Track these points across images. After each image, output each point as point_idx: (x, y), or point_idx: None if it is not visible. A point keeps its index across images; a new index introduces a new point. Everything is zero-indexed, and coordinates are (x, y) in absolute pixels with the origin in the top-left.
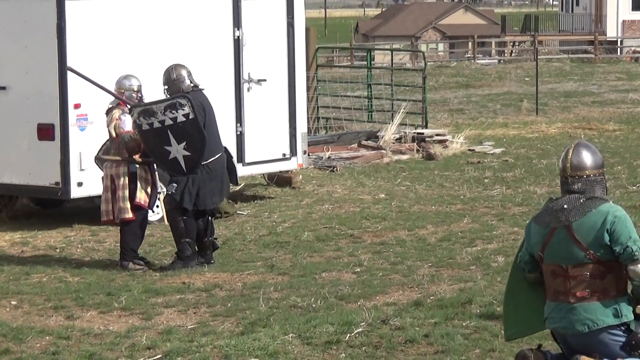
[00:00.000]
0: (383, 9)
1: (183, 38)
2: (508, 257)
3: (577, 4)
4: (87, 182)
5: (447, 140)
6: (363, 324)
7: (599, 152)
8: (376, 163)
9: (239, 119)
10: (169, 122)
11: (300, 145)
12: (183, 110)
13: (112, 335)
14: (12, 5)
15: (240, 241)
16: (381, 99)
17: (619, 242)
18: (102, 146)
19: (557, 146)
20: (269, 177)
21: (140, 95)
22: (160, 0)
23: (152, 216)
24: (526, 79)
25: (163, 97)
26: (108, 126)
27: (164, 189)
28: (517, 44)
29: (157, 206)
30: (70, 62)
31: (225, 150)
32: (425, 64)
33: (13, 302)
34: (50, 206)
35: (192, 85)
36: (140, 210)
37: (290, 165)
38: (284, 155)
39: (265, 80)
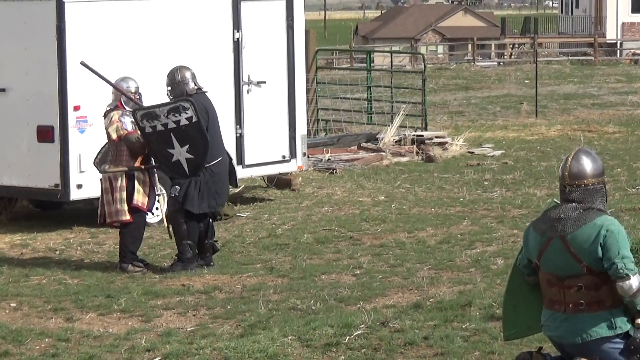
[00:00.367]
0: (383, 11)
1: (183, 40)
2: (507, 260)
3: (577, 6)
4: (87, 184)
5: (446, 142)
6: (362, 326)
7: (600, 160)
8: (376, 165)
9: (239, 121)
10: (172, 125)
11: (300, 148)
12: (186, 113)
13: (111, 338)
14: (12, 7)
15: (239, 243)
16: (381, 101)
17: (607, 257)
18: (101, 149)
19: (556, 148)
20: (268, 179)
21: (137, 97)
22: (160, 2)
23: (152, 218)
24: (526, 81)
25: (163, 99)
26: (107, 129)
27: (163, 191)
28: (516, 46)
29: (157, 208)
30: (69, 65)
31: (226, 152)
32: (425, 66)
33: (12, 304)
34: (49, 208)
35: (196, 87)
36: (138, 213)
37: (290, 167)
38: (284, 157)
39: (264, 82)
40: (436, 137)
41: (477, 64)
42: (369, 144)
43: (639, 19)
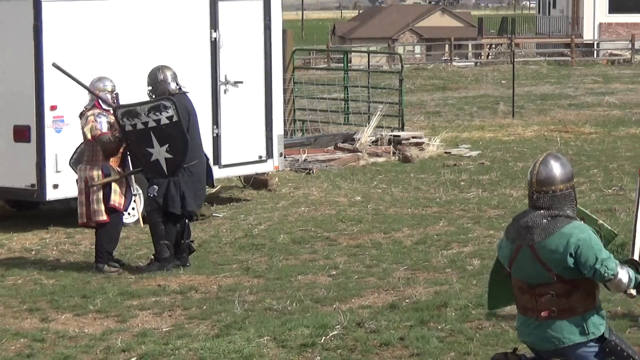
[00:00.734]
0: (360, 11)
1: (160, 39)
2: (484, 260)
3: (554, 7)
4: (63, 184)
5: (423, 142)
6: (338, 326)
7: (569, 164)
8: (352, 165)
9: (216, 121)
10: (152, 124)
11: (277, 148)
12: (167, 112)
13: (87, 338)
14: None
15: (216, 244)
16: (358, 101)
17: (587, 266)
18: (77, 149)
19: (533, 149)
20: (245, 180)
21: (114, 96)
22: (138, 2)
23: (128, 218)
24: (503, 81)
25: (140, 98)
26: (83, 128)
27: (140, 191)
28: (493, 46)
29: (133, 208)
30: (46, 64)
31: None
32: (402, 66)
33: None
34: (25, 208)
35: (177, 87)
36: (115, 213)
37: (267, 167)
38: (260, 157)
39: (242, 82)
40: (413, 137)
41: (454, 64)
42: (345, 144)
43: (616, 20)
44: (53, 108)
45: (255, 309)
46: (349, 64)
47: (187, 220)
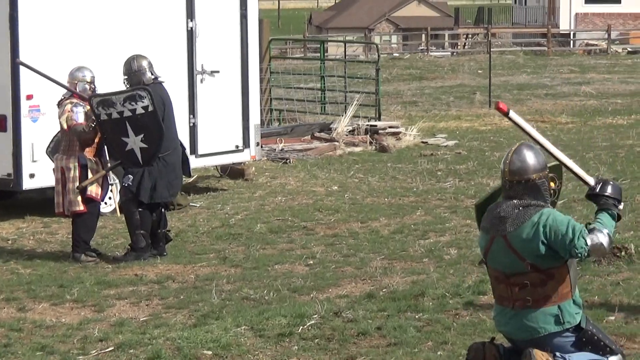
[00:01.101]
0: (337, 1)
1: (136, 29)
2: (461, 250)
3: None
4: (40, 173)
5: (400, 132)
6: (316, 316)
7: (542, 154)
8: (329, 155)
9: (192, 110)
10: (127, 113)
11: (254, 137)
12: (142, 102)
13: (64, 328)
14: None
15: (192, 233)
16: (334, 90)
17: (563, 248)
18: (53, 138)
19: (509, 139)
20: (221, 169)
21: (93, 86)
22: None
23: (105, 208)
24: (479, 71)
25: (119, 88)
26: (59, 118)
27: (116, 181)
28: (470, 36)
29: (110, 198)
30: (22, 53)
31: (179, 142)
32: (379, 56)
33: None
34: (2, 197)
35: (152, 77)
36: (92, 203)
37: (243, 157)
38: (237, 147)
39: (218, 71)
40: (390, 127)
41: (431, 54)
42: (322, 133)
43: (593, 10)
44: (29, 97)
45: (233, 298)
46: (325, 54)
47: (163, 210)
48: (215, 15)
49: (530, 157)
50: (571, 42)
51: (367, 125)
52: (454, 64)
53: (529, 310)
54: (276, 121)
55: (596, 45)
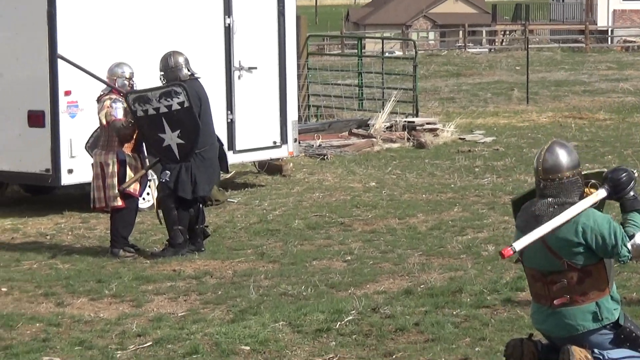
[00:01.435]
0: None
1: (174, 25)
2: (499, 246)
3: None
4: (78, 169)
5: (437, 128)
6: (353, 312)
7: (575, 151)
8: (367, 151)
9: (230, 106)
10: (163, 109)
11: (291, 133)
12: (178, 98)
13: (102, 323)
14: None
15: (230, 229)
16: (372, 87)
17: (604, 253)
18: (93, 134)
19: (547, 135)
20: (259, 165)
21: (132, 82)
22: None
23: (143, 203)
24: (517, 67)
25: (156, 84)
26: (99, 113)
27: (154, 177)
28: (507, 32)
29: (148, 194)
30: (60, 49)
31: (217, 138)
32: (416, 52)
33: (3, 289)
34: (40, 193)
35: (189, 73)
36: (130, 198)
37: (281, 153)
38: (275, 143)
39: (256, 68)
40: (427, 123)
41: (468, 50)
42: (360, 130)
43: (630, 7)
44: (67, 93)
45: (270, 294)
46: (362, 50)
47: (201, 205)
48: (252, 11)
49: (562, 155)
50: (609, 38)
51: (405, 121)
52: (492, 60)
53: (566, 308)
54: (314, 117)
55: (634, 41)
